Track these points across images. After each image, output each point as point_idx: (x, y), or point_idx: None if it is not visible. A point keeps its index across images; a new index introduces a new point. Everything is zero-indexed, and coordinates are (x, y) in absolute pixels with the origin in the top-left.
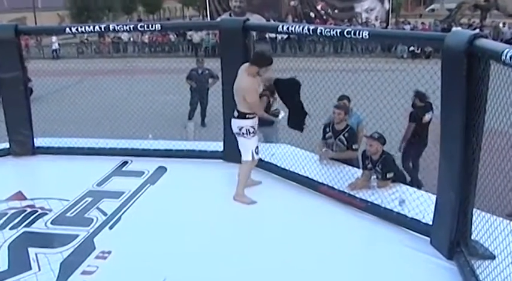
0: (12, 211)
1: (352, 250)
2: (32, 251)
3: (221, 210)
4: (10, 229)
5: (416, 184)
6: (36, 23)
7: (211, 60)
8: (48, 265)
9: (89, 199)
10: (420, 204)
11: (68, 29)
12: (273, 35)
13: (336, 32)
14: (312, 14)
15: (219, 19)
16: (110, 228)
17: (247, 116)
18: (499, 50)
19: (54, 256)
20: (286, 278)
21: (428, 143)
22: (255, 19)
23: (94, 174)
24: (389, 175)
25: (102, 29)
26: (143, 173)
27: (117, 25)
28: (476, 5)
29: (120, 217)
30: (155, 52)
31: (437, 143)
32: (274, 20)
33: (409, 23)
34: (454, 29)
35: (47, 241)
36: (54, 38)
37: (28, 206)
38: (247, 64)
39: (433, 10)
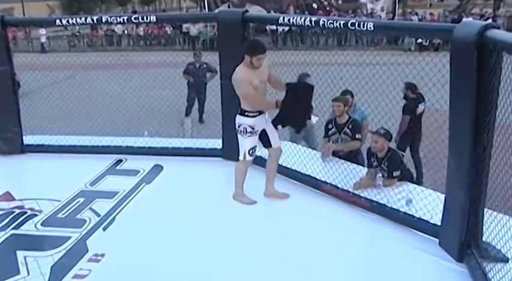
0: (0, 213)
1: (356, 251)
2: (20, 254)
3: (219, 210)
4: None
5: (419, 179)
6: (24, 14)
7: (209, 54)
8: (37, 269)
9: (81, 199)
10: (428, 203)
11: (58, 21)
12: (273, 27)
13: (340, 24)
14: (315, 5)
15: (217, 11)
16: (104, 229)
17: (246, 113)
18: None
19: (44, 259)
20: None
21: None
22: (255, 10)
23: (86, 173)
24: (396, 173)
25: (95, 21)
26: (138, 172)
27: (110, 17)
28: None
29: (114, 217)
30: (150, 45)
31: (430, 136)
32: (275, 12)
33: (416, 14)
34: (464, 19)
35: (36, 243)
36: (42, 31)
37: (17, 207)
38: None
39: (442, 0)
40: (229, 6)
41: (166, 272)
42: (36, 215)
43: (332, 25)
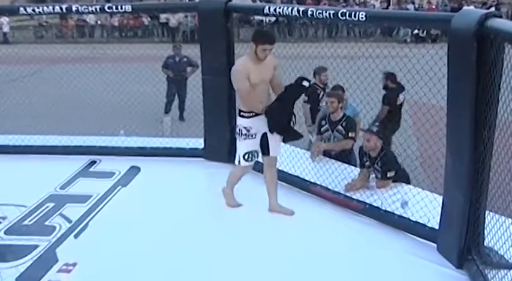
0: None
1: (347, 258)
2: None
3: (200, 215)
4: None
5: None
6: None
7: (190, 47)
8: None
9: (51, 205)
10: (425, 206)
11: (22, 9)
12: (259, 18)
13: (329, 14)
14: None
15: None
16: (75, 237)
17: (241, 113)
18: None
19: (8, 270)
20: None
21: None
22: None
23: (56, 176)
24: (390, 174)
25: (64, 10)
26: (113, 174)
27: (81, 6)
28: None
29: (87, 224)
30: (126, 37)
31: (426, 133)
32: (261, 1)
33: (413, 3)
34: (465, 8)
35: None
36: (4, 19)
37: None
38: None
39: None
40: None
41: None
42: None
43: (321, 15)
